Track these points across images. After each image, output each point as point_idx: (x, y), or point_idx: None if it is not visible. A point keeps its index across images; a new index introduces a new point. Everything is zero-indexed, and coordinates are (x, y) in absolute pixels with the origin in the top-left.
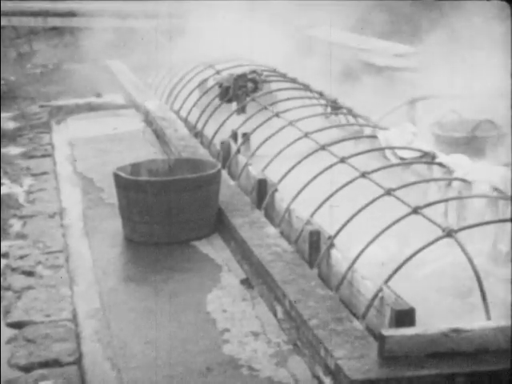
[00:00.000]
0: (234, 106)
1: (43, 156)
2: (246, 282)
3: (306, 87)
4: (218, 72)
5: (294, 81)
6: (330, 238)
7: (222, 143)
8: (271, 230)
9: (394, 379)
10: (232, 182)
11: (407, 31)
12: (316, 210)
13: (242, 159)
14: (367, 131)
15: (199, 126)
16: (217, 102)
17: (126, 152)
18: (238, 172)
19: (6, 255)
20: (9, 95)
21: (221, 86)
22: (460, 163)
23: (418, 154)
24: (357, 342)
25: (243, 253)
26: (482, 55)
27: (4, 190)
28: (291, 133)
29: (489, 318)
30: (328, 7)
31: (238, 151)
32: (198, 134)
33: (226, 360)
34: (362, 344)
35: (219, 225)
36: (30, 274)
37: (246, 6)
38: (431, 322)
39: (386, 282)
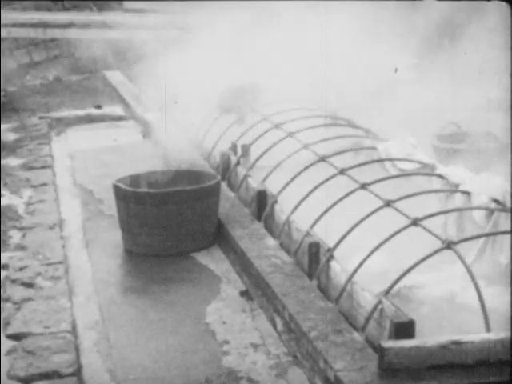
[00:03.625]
0: (233, 117)
1: (43, 167)
2: (245, 294)
3: (306, 99)
4: (217, 83)
5: (292, 92)
6: (329, 249)
7: (222, 155)
8: (271, 242)
9: None
10: (231, 194)
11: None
12: (315, 222)
13: (241, 171)
14: (367, 143)
15: (199, 137)
16: (216, 113)
17: (126, 163)
18: (238, 183)
19: (6, 267)
20: (9, 106)
21: (220, 97)
22: (459, 175)
23: (417, 166)
24: (356, 354)
25: (243, 264)
26: (483, 65)
27: (4, 201)
28: (291, 144)
29: (488, 330)
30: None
31: (238, 163)
32: (197, 146)
33: (226, 372)
34: (362, 356)
35: (219, 236)
36: (29, 285)
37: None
38: (431, 333)
39: (386, 293)
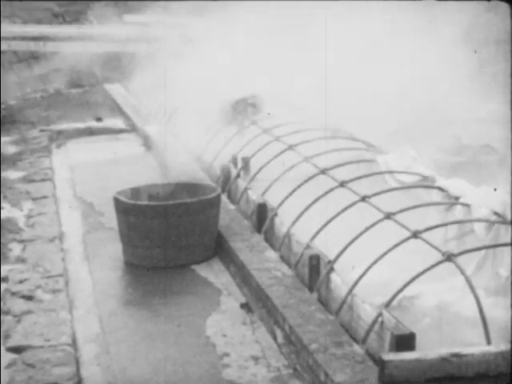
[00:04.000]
0: (233, 130)
1: (43, 180)
2: (245, 306)
3: (306, 112)
4: (217, 96)
5: (293, 105)
6: (329, 262)
7: (222, 167)
8: (271, 254)
9: None
10: (232, 206)
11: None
12: (316, 235)
13: (241, 183)
14: (367, 155)
15: (199, 150)
16: (217, 126)
17: (126, 176)
18: (238, 196)
19: (6, 279)
20: (9, 119)
21: (221, 110)
22: (460, 187)
23: (417, 178)
24: (357, 367)
25: (243, 277)
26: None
27: (4, 214)
28: (291, 157)
29: (489, 343)
30: None
31: (238, 175)
32: (197, 159)
33: None
34: (362, 368)
35: (219, 249)
36: (29, 298)
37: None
38: (431, 345)
39: (386, 306)
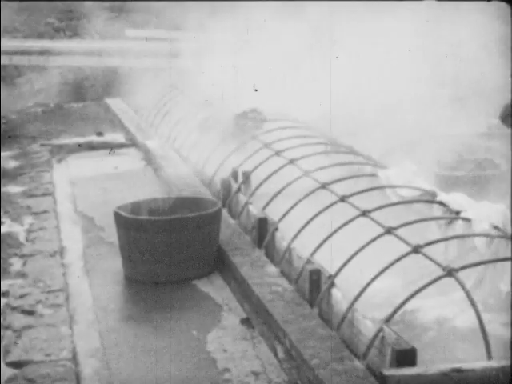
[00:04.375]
0: (234, 144)
1: (44, 195)
2: (246, 322)
3: (307, 126)
4: (218, 110)
5: (294, 120)
6: (330, 277)
7: (223, 182)
8: (272, 269)
9: None
10: (232, 221)
11: None
12: (316, 249)
13: (242, 198)
14: (368, 170)
15: (199, 164)
16: (217, 140)
17: (127, 191)
18: (239, 211)
19: (6, 294)
20: (10, 134)
21: (222, 124)
22: (460, 202)
23: (418, 193)
24: (358, 382)
25: (243, 292)
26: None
27: (4, 228)
28: (291, 171)
29: (490, 358)
30: None
31: (239, 190)
32: (198, 173)
33: None
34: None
35: (219, 263)
36: (30, 313)
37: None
38: (432, 359)
39: (387, 321)
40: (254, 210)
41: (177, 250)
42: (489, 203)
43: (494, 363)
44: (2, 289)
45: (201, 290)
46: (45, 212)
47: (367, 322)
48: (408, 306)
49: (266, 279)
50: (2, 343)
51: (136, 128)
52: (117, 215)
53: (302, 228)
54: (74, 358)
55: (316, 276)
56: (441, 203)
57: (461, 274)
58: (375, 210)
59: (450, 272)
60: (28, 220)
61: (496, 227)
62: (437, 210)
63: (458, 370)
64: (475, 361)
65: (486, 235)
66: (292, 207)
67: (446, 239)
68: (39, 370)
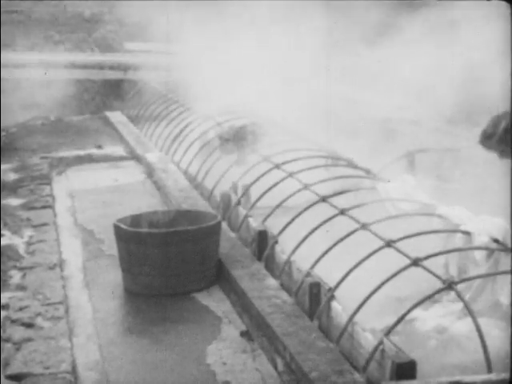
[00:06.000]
0: (234, 157)
1: (43, 207)
2: (246, 334)
3: (307, 139)
4: (218, 124)
5: (294, 133)
6: (330, 290)
7: (222, 195)
8: (271, 282)
9: None
10: (232, 234)
11: None
12: (316, 262)
13: (242, 211)
14: (367, 183)
15: (199, 177)
16: (217, 153)
17: (127, 203)
18: (238, 224)
19: (6, 307)
20: (9, 146)
21: (221, 137)
22: (460, 215)
23: (417, 206)
24: None
25: (243, 305)
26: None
27: (4, 241)
28: (291, 184)
29: (490, 371)
30: None
31: (238, 203)
32: (198, 186)
33: None
34: None
35: (219, 276)
36: (29, 325)
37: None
38: (432, 370)
39: (387, 334)
40: (254, 222)
41: (176, 263)
42: (488, 217)
43: (493, 376)
44: (2, 301)
45: (200, 302)
46: (45, 224)
47: (367, 335)
48: (409, 316)
49: (265, 292)
50: (2, 356)
51: (136, 141)
52: (117, 228)
53: (302, 241)
54: (74, 371)
55: (316, 289)
56: (440, 216)
57: (459, 287)
58: (375, 222)
59: (450, 285)
60: (28, 232)
61: (496, 240)
62: (437, 223)
63: (458, 383)
64: (475, 373)
65: (486, 248)
66: (292, 220)
67: (446, 252)
68: (39, 383)
